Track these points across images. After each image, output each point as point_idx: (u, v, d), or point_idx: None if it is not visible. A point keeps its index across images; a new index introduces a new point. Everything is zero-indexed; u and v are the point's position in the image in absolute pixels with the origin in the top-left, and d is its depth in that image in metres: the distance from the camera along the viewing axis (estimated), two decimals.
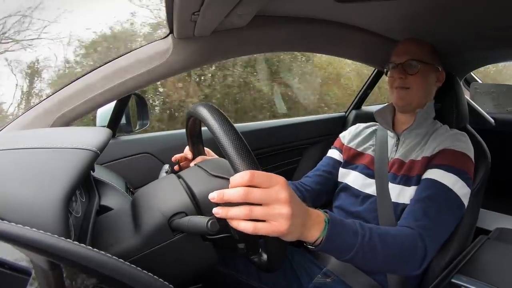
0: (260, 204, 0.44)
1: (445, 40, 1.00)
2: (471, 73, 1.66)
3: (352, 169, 0.94)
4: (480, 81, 1.77)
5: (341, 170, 0.97)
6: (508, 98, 1.63)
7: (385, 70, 0.93)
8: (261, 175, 0.44)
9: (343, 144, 1.00)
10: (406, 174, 0.82)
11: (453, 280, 0.71)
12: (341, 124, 1.62)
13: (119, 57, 0.84)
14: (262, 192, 0.43)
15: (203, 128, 0.65)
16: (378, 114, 0.95)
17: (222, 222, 0.46)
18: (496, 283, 0.67)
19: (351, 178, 0.93)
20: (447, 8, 0.81)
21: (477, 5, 0.78)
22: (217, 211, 0.45)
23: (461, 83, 1.32)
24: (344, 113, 1.69)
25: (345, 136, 1.02)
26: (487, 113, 1.52)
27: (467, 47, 1.08)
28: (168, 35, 0.82)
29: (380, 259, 0.59)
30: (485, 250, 0.82)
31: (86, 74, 0.83)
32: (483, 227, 1.28)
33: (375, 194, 0.85)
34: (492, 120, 1.50)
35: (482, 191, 0.89)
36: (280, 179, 0.45)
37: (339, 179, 0.97)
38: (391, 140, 0.92)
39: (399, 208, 0.80)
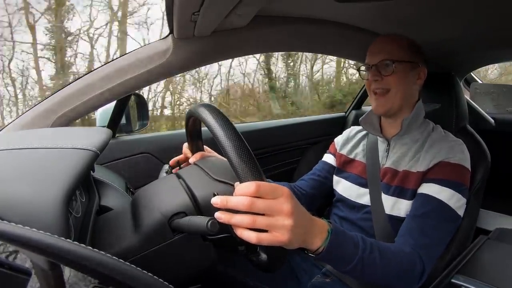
0: (263, 214, 0.44)
1: (445, 40, 1.00)
2: (471, 73, 1.66)
3: (344, 178, 0.93)
4: (480, 81, 1.78)
5: (334, 178, 0.96)
6: (508, 98, 1.63)
7: (360, 73, 0.89)
8: (266, 187, 0.44)
9: (336, 150, 1.00)
10: (400, 185, 0.80)
11: (453, 280, 0.71)
12: (341, 124, 1.62)
13: (119, 57, 0.84)
14: (266, 203, 0.44)
15: (203, 128, 0.65)
16: (363, 122, 0.91)
17: (222, 222, 0.46)
18: (496, 283, 0.67)
19: (344, 188, 0.92)
20: (447, 9, 0.81)
21: (477, 5, 0.78)
22: (220, 216, 0.45)
23: (461, 83, 1.33)
24: (344, 113, 1.70)
25: (338, 142, 1.01)
26: (487, 113, 1.52)
27: (467, 47, 1.08)
28: (168, 35, 0.82)
29: (378, 274, 0.60)
30: (485, 250, 0.82)
31: (86, 74, 0.84)
32: (483, 227, 1.29)
33: (370, 204, 0.84)
34: (492, 120, 1.50)
35: (482, 191, 0.89)
36: (285, 190, 0.46)
37: (333, 186, 0.96)
38: (381, 145, 0.90)
39: (393, 220, 0.79)
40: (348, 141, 0.99)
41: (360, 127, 1.00)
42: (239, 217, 0.44)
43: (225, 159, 0.47)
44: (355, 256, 0.56)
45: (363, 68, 0.88)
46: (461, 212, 0.74)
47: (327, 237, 0.52)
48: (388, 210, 0.80)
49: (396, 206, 0.79)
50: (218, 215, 0.45)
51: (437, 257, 0.71)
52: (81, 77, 0.83)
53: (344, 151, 0.97)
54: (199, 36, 0.80)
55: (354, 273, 0.58)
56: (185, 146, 0.74)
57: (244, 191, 0.44)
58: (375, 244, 0.60)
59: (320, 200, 0.99)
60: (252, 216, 0.44)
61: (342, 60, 5.46)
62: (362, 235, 0.61)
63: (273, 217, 0.44)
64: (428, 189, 0.75)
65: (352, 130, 1.02)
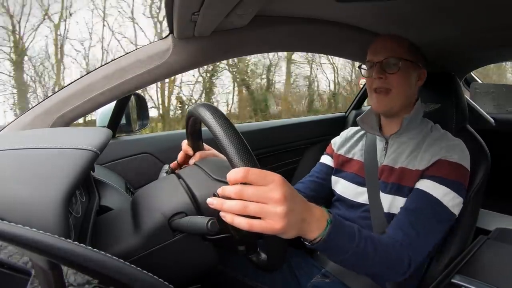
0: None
1: (445, 40, 1.00)
2: (471, 73, 1.66)
3: (342, 178, 0.93)
4: (480, 81, 1.78)
5: (333, 178, 0.96)
6: (508, 98, 1.63)
7: (361, 71, 0.88)
8: (256, 173, 0.44)
9: (333, 151, 1.00)
10: (397, 182, 0.80)
11: (453, 280, 0.71)
12: (341, 124, 1.62)
13: (119, 57, 0.84)
14: (255, 190, 0.44)
15: (203, 128, 0.65)
16: (361, 121, 0.91)
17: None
18: (496, 283, 0.67)
19: (343, 187, 0.92)
20: (447, 9, 0.81)
21: (476, 6, 0.78)
22: (212, 202, 0.45)
23: (461, 83, 1.33)
24: (344, 113, 1.70)
25: (336, 143, 1.01)
26: (487, 113, 1.52)
27: (467, 47, 1.08)
28: (168, 35, 0.82)
29: (368, 266, 0.61)
30: (485, 250, 0.82)
31: (86, 74, 0.84)
32: (483, 227, 1.28)
33: (368, 203, 0.84)
34: (492, 120, 1.50)
35: (482, 191, 0.89)
36: (276, 177, 0.45)
37: (332, 187, 0.96)
38: (380, 143, 0.90)
39: (391, 218, 0.78)
40: (346, 142, 0.99)
41: (358, 128, 1.00)
42: (230, 203, 0.44)
43: (225, 158, 0.47)
44: (350, 248, 0.56)
45: (364, 66, 0.88)
46: (456, 211, 0.74)
47: (326, 227, 0.52)
48: (386, 208, 0.80)
49: (394, 204, 0.79)
50: (210, 200, 0.46)
51: (427, 253, 0.71)
52: (81, 77, 0.83)
53: (341, 151, 0.97)
54: (199, 36, 0.80)
55: (346, 263, 0.60)
56: (184, 143, 0.73)
57: (234, 178, 0.44)
58: (369, 237, 0.61)
59: (321, 202, 0.99)
60: (243, 202, 0.44)
61: None
62: (358, 226, 0.61)
63: (264, 204, 0.44)
64: (423, 184, 0.75)
65: (349, 131, 1.02)
